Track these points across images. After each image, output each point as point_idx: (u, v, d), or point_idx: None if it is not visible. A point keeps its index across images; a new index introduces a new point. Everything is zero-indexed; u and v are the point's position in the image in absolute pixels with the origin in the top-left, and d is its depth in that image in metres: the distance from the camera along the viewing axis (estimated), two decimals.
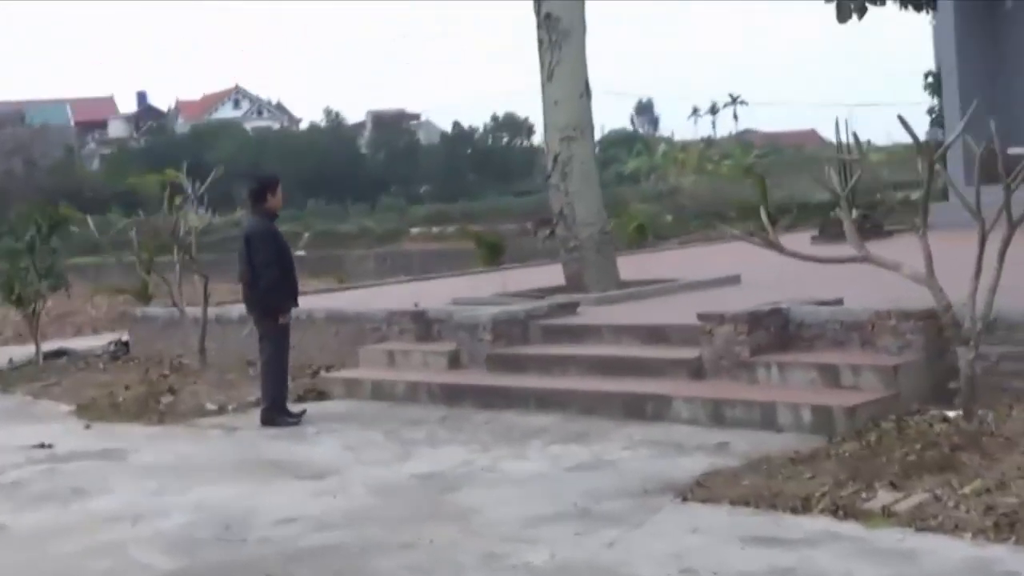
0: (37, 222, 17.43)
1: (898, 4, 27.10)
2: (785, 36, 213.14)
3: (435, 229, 55.66)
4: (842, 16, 26.41)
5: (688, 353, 11.21)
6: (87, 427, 12.93)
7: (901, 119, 8.75)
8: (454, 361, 12.85)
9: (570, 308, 13.17)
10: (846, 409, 9.45)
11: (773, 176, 48.40)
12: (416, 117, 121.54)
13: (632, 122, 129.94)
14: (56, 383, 15.89)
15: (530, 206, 57.36)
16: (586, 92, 15.01)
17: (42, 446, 11.71)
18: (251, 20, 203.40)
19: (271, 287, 11.89)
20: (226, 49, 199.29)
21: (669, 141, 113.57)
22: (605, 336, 12.23)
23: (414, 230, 57.29)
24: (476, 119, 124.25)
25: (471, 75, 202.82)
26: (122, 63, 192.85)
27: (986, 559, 6.56)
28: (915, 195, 34.89)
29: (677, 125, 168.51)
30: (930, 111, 27.78)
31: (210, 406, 13.04)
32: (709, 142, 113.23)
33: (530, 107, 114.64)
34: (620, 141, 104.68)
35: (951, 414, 9.16)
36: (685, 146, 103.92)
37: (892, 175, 46.18)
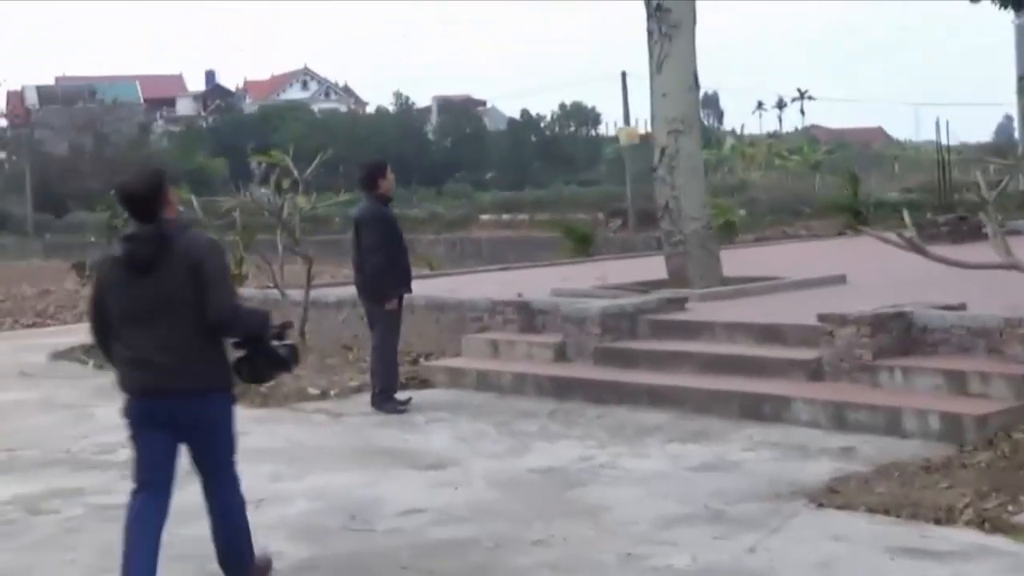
0: None
1: (997, 3, 26.66)
2: (855, 32, 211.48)
3: (505, 216, 55.52)
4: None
5: (805, 354, 11.03)
6: None
7: None
8: (560, 354, 12.73)
9: (678, 303, 13.01)
10: (976, 418, 9.25)
11: (838, 173, 48.07)
12: (483, 103, 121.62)
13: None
14: None
15: (594, 196, 57.19)
16: (695, 85, 14.84)
17: None
18: (321, 1, 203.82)
19: (377, 272, 11.78)
20: (295, 29, 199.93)
21: (736, 135, 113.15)
22: (718, 333, 12.06)
23: (483, 216, 57.14)
24: (543, 107, 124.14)
25: (540, 63, 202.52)
26: (192, 41, 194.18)
27: None
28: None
29: (741, 119, 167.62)
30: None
31: (312, 390, 12.97)
32: (775, 137, 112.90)
33: (598, 97, 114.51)
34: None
35: None
36: (753, 140, 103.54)
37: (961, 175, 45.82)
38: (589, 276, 17.44)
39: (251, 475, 9.53)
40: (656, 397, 11.22)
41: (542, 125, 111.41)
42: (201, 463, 6.73)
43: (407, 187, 76.20)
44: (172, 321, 6.30)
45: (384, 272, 11.74)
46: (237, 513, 6.87)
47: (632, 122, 54.78)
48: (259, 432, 11.35)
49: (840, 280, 14.89)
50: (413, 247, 15.02)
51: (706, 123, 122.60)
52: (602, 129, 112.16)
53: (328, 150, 15.27)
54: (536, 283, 16.32)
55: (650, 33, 14.86)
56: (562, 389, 11.99)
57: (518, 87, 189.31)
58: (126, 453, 10.39)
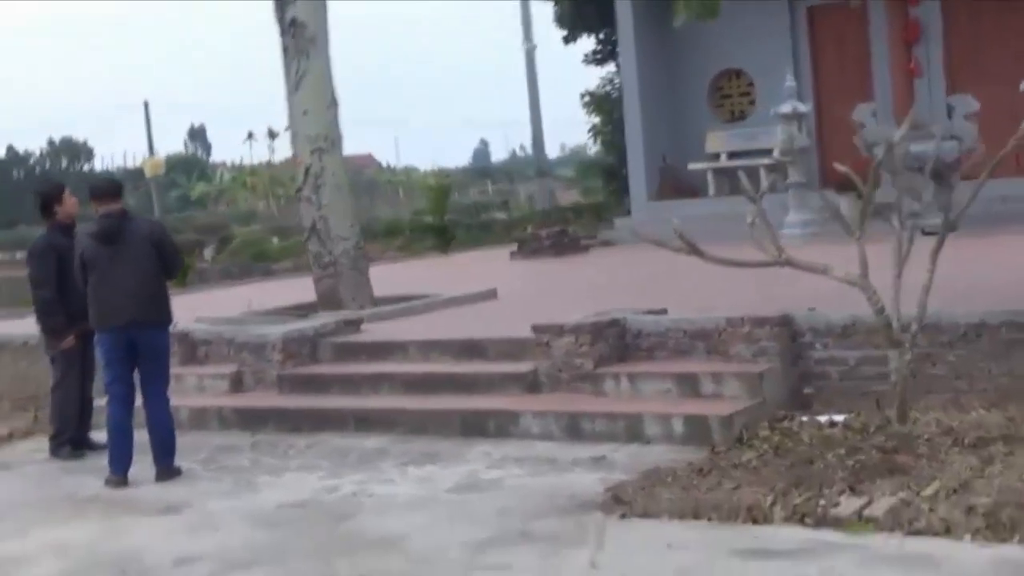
0: None
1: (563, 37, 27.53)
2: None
3: (20, 255, 52.53)
4: None
5: (515, 367, 10.82)
6: None
7: None
8: (236, 384, 12.01)
9: (355, 325, 12.53)
10: (722, 418, 9.29)
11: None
12: None
13: (185, 146, 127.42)
14: None
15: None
16: (334, 101, 14.38)
17: None
18: None
19: (46, 307, 10.78)
20: None
21: (233, 166, 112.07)
22: (411, 353, 11.66)
23: None
24: (31, 144, 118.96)
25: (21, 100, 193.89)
26: None
27: (1013, 560, 6.49)
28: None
29: (228, 151, 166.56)
30: (592, 128, 28.38)
31: None
32: (270, 166, 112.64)
33: (88, 130, 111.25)
34: (176, 165, 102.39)
35: (838, 418, 9.20)
36: (254, 170, 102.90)
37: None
38: (220, 304, 16.44)
39: None
40: (363, 421, 10.73)
41: (32, 162, 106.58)
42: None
43: None
44: None
45: (54, 306, 10.69)
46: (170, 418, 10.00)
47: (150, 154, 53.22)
48: None
49: (492, 295, 14.78)
50: None
51: (197, 155, 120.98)
52: (97, 163, 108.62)
53: None
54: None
55: (285, 49, 14.29)
56: (250, 420, 11.30)
57: (2, 125, 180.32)
58: None
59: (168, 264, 10.00)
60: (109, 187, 10.09)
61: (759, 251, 8.68)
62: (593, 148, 34.14)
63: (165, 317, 9.99)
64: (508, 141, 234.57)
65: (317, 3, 14.32)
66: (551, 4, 27.55)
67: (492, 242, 27.31)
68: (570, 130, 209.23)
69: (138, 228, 9.93)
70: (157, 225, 10.65)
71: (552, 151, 73.49)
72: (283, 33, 14.31)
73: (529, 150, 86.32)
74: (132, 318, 9.70)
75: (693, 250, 8.31)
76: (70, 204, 11.00)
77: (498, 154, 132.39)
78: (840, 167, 8.63)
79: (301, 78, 14.20)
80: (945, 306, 9.40)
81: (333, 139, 14.31)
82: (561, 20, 27.34)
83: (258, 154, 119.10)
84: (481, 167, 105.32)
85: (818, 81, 22.43)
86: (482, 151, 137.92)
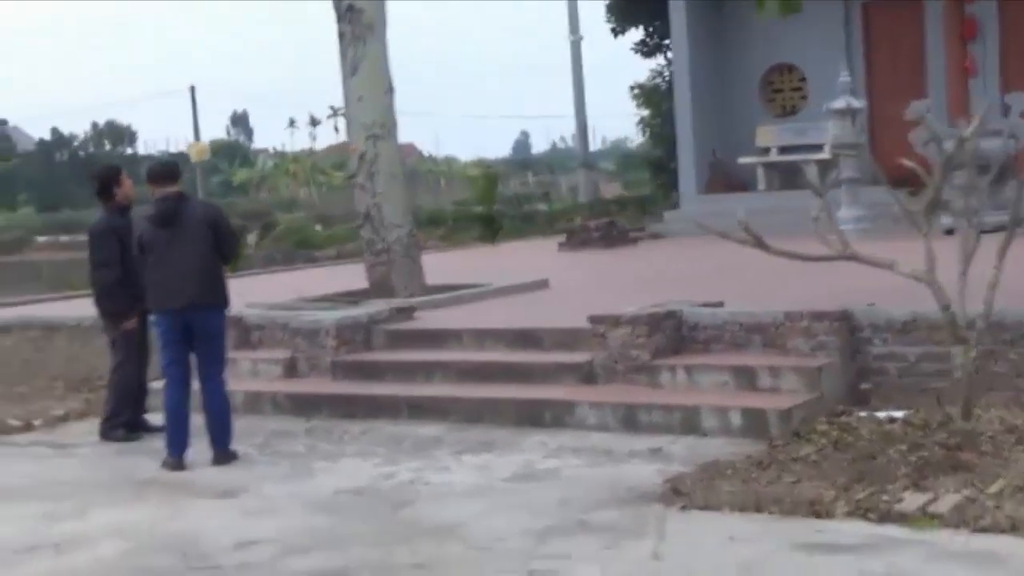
0: None
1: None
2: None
3: (64, 238, 52.86)
4: None
5: (570, 357, 10.81)
6: None
7: None
8: (290, 369, 12.01)
9: (408, 312, 12.53)
10: (781, 412, 9.25)
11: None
12: (2, 123, 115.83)
13: (228, 132, 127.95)
14: None
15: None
16: (390, 88, 14.37)
17: None
18: None
19: (108, 289, 10.81)
20: None
21: (276, 153, 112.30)
22: (466, 341, 11.65)
23: (40, 238, 54.33)
24: (75, 127, 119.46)
25: (72, 85, 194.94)
26: None
27: None
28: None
29: (270, 137, 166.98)
30: (641, 121, 28.33)
31: (13, 422, 11.73)
32: (311, 154, 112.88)
33: (133, 115, 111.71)
34: (219, 151, 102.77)
35: (897, 414, 9.14)
36: (296, 157, 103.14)
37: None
38: (266, 291, 16.44)
39: (18, 516, 8.53)
40: (416, 409, 10.72)
41: (75, 144, 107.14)
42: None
43: None
44: None
45: (116, 288, 10.73)
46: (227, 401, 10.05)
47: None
48: None
49: (543, 285, 14.76)
50: None
51: (239, 141, 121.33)
52: (140, 147, 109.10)
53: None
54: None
55: (341, 35, 14.29)
56: (304, 406, 11.31)
57: (47, 108, 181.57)
58: None
59: (224, 247, 9.99)
60: (166, 170, 10.11)
61: (819, 245, 8.63)
62: (635, 141, 34.12)
63: (221, 300, 9.99)
64: (548, 133, 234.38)
65: None
66: None
67: (535, 233, 27.31)
68: (610, 123, 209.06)
69: (195, 211, 9.94)
70: (214, 208, 10.64)
71: (593, 144, 73.42)
72: (340, 19, 14.29)
73: (570, 142, 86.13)
74: (189, 301, 9.71)
75: (759, 243, 8.25)
76: (127, 186, 11.05)
77: (539, 146, 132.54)
78: (907, 163, 8.57)
79: (358, 64, 14.18)
80: (1008, 304, 9.31)
81: (388, 126, 14.29)
82: (611, 10, 27.28)
83: (299, 141, 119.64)
84: (522, 158, 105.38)
85: (871, 78, 22.31)
86: (523, 142, 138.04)
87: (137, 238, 9.99)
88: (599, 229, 20.80)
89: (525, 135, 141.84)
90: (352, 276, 15.59)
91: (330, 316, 12.04)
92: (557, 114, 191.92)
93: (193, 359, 9.89)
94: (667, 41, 25.98)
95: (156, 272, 9.80)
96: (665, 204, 24.85)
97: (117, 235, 10.73)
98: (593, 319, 10.61)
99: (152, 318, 10.05)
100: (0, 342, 14.31)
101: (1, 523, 8.41)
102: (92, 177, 11.49)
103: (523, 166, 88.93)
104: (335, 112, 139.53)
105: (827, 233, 8.47)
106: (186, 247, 9.70)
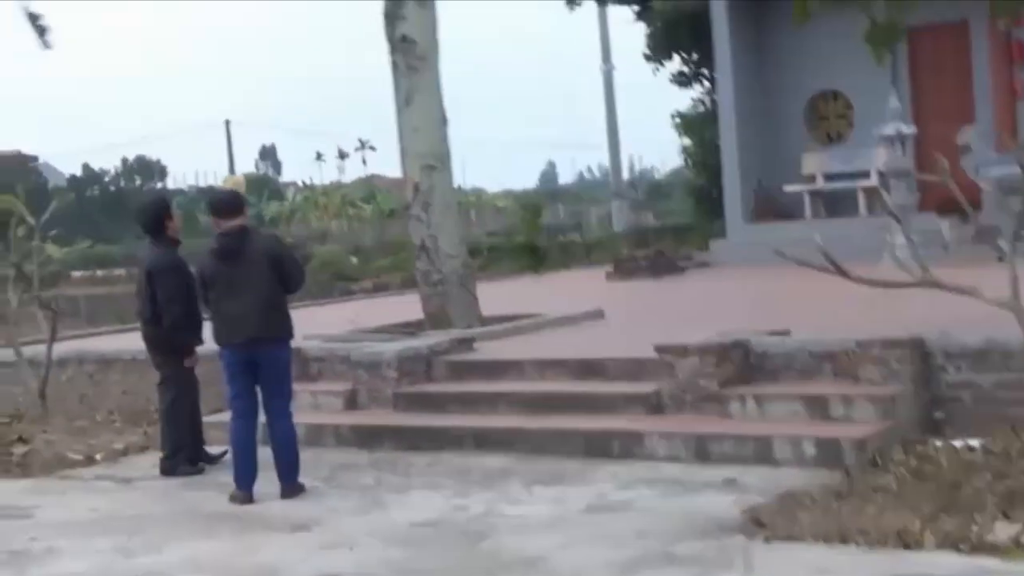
0: None
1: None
2: None
3: (99, 272, 53.01)
4: None
5: (636, 388, 10.72)
6: None
7: None
8: (351, 401, 11.97)
9: (467, 343, 12.47)
10: (855, 441, 9.15)
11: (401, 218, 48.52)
12: (34, 159, 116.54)
13: (256, 166, 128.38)
14: None
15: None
16: (444, 120, 14.35)
17: None
18: None
19: (176, 325, 10.75)
20: None
21: (305, 185, 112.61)
22: (527, 371, 11.58)
23: (76, 273, 54.41)
24: (106, 163, 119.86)
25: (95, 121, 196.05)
26: None
27: None
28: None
29: (297, 170, 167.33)
30: (684, 150, 28.31)
31: (74, 456, 11.70)
32: (339, 187, 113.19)
33: (160, 150, 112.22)
34: (249, 184, 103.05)
35: (974, 443, 9.02)
36: (326, 190, 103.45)
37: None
38: (318, 323, 16.40)
39: (93, 551, 8.47)
40: (481, 440, 10.65)
41: (106, 179, 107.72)
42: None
43: None
44: None
45: (184, 324, 10.72)
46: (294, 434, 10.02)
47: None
48: (50, 504, 10.15)
49: (599, 315, 14.68)
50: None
51: (268, 175, 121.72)
52: (170, 182, 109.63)
53: (71, 195, 13.87)
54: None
55: (395, 65, 14.28)
56: (367, 438, 11.25)
57: (78, 145, 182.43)
58: None
59: (288, 280, 9.93)
60: (231, 203, 10.05)
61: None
62: (662, 171, 34.24)
63: (285, 333, 9.94)
64: (574, 163, 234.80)
65: (428, 20, 14.28)
66: (642, 25, 27.47)
67: (575, 263, 27.25)
68: (639, 150, 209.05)
69: (257, 244, 9.89)
70: (276, 240, 10.62)
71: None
72: (393, 50, 14.28)
73: (597, 173, 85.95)
74: (252, 335, 9.68)
75: (838, 270, 8.17)
76: (178, 218, 11.06)
77: (564, 176, 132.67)
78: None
79: (411, 95, 14.16)
80: None
81: (443, 157, 14.26)
82: (652, 39, 27.24)
83: (327, 174, 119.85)
84: (549, 189, 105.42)
85: (917, 103, 22.16)
86: (549, 172, 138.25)
87: (200, 272, 9.97)
88: (647, 258, 20.77)
89: (552, 165, 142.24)
90: (399, 307, 15.54)
91: (391, 348, 11.99)
92: (585, 143, 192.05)
93: (259, 393, 9.86)
94: (704, 70, 25.98)
95: (220, 307, 9.77)
96: (710, 232, 24.75)
97: (179, 270, 10.71)
98: (660, 348, 10.53)
99: (219, 351, 10.00)
100: (57, 376, 14.26)
101: (76, 558, 8.36)
102: (141, 211, 11.44)
103: (551, 196, 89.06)
104: (363, 145, 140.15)
105: (906, 261, 8.38)
106: (250, 281, 9.66)
